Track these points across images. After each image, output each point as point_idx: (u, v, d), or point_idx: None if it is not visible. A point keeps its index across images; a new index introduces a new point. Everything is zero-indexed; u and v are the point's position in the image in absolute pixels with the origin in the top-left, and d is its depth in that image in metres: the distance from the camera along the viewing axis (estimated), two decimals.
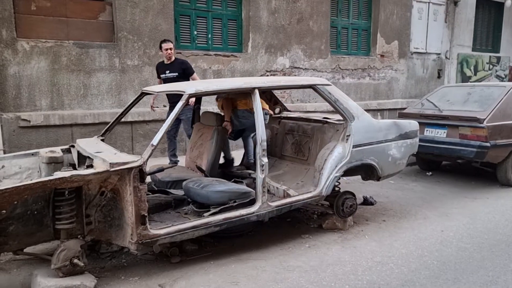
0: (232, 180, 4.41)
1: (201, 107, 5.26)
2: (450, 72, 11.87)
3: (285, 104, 5.54)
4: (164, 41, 5.89)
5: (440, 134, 6.08)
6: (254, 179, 3.87)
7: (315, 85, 4.19)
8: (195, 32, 7.50)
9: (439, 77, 11.57)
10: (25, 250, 3.19)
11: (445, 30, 11.48)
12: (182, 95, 3.53)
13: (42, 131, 6.04)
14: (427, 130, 6.20)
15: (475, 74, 12.56)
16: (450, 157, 6.19)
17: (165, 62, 5.88)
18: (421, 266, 3.55)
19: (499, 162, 5.93)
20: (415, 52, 10.86)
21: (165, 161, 5.96)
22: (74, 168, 3.66)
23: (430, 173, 6.84)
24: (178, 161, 5.98)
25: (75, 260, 3.03)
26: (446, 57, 11.68)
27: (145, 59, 6.82)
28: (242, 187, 3.91)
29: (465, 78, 12.21)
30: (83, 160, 3.60)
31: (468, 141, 5.74)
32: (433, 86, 10.89)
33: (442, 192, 5.79)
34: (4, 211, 2.80)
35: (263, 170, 3.63)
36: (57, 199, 3.05)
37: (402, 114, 6.67)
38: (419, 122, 5.01)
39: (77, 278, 3.04)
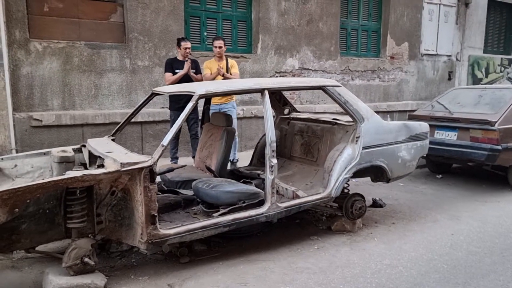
0: (241, 180, 4.42)
1: None
2: (461, 74, 11.76)
3: (294, 105, 5.54)
4: (184, 39, 6.06)
5: (450, 136, 6.04)
6: (263, 179, 3.88)
7: (325, 86, 4.19)
8: (205, 33, 7.53)
9: (449, 79, 11.47)
10: (37, 248, 3.22)
11: (456, 32, 11.38)
12: (191, 95, 3.55)
13: (54, 130, 6.10)
14: (437, 133, 6.16)
15: (486, 76, 12.43)
16: (461, 159, 6.13)
17: (180, 58, 6.00)
18: (430, 269, 3.52)
19: (511, 165, 5.87)
20: (425, 54, 10.78)
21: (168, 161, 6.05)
22: (85, 168, 3.70)
23: (440, 175, 6.79)
24: (178, 158, 6.17)
25: (86, 259, 3.07)
26: (457, 59, 11.58)
27: (155, 60, 6.86)
28: (251, 188, 3.92)
29: (476, 80, 12.09)
30: (94, 159, 3.63)
31: (479, 143, 5.69)
32: (444, 88, 10.80)
33: (452, 195, 5.75)
34: (17, 210, 2.83)
35: (272, 171, 3.63)
36: (68, 198, 3.09)
37: (412, 116, 6.63)
38: (429, 124, 4.98)
39: (88, 277, 3.07)
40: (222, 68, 5.98)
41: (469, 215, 4.87)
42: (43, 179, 3.37)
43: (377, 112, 4.87)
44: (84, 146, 4.01)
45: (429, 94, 10.88)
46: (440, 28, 10.97)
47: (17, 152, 5.57)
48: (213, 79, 5.92)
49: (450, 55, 11.38)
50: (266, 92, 3.81)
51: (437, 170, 6.94)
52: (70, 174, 3.01)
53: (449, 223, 4.62)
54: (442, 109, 6.38)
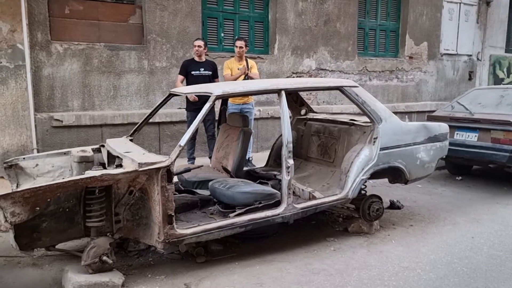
0: (258, 181, 4.42)
1: None
2: (482, 74, 11.53)
3: (311, 106, 5.51)
4: (197, 39, 6.14)
5: (471, 137, 5.92)
6: (280, 180, 3.87)
7: (342, 86, 4.16)
8: (222, 34, 7.57)
9: (470, 79, 11.26)
10: (56, 247, 3.28)
11: (477, 31, 11.17)
12: (208, 97, 3.57)
13: (74, 131, 6.22)
14: (457, 134, 6.05)
15: (508, 76, 12.16)
16: (481, 161, 6.01)
17: (196, 59, 6.02)
18: (450, 273, 3.46)
19: None
20: (445, 54, 10.61)
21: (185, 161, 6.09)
22: (104, 168, 3.76)
23: (460, 177, 6.66)
24: (195, 158, 6.20)
25: (104, 257, 3.11)
26: (477, 59, 11.36)
27: (173, 61, 6.93)
28: (268, 189, 3.92)
29: (497, 80, 11.84)
30: (113, 159, 3.68)
31: (501, 145, 5.57)
32: (464, 88, 10.61)
33: (473, 197, 5.64)
34: (38, 208, 2.89)
35: (288, 172, 3.63)
36: (87, 197, 3.14)
37: (431, 117, 6.52)
38: (449, 125, 4.89)
39: (106, 275, 3.12)
40: (244, 66, 6.03)
41: (490, 218, 4.76)
42: (63, 178, 3.44)
43: (395, 113, 4.81)
44: (103, 146, 4.07)
45: (448, 95, 10.70)
46: (461, 27, 10.78)
47: (38, 151, 5.69)
48: (236, 79, 5.95)
49: (470, 55, 11.18)
50: (283, 93, 3.80)
51: (457, 172, 6.81)
52: (89, 173, 3.06)
53: (469, 226, 4.53)
54: (463, 109, 6.26)
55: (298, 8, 8.10)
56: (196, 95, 5.54)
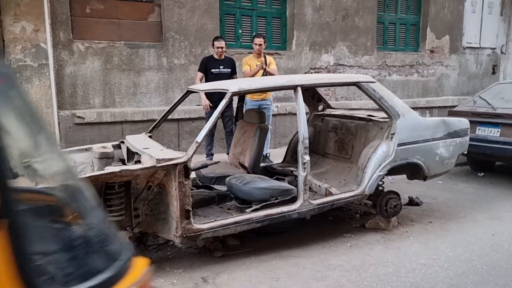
0: (274, 177, 4.45)
1: None
2: (506, 68, 11.23)
3: (329, 102, 5.49)
4: (217, 38, 6.13)
5: (493, 133, 5.80)
6: (296, 176, 3.89)
7: (359, 82, 4.14)
8: (240, 31, 7.59)
9: (494, 73, 10.98)
10: None
11: (501, 24, 10.87)
12: (225, 93, 3.61)
13: (95, 127, 6.36)
14: (479, 129, 5.93)
15: None
16: (504, 157, 5.88)
17: (216, 57, 6.07)
18: (468, 270, 3.42)
19: None
20: (467, 47, 10.37)
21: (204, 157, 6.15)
22: (124, 163, 3.84)
23: (482, 174, 6.53)
24: (213, 154, 6.24)
25: None
26: (501, 52, 11.06)
27: (191, 58, 6.99)
28: (284, 185, 3.94)
29: None
30: (132, 155, 3.76)
31: None
32: (488, 82, 10.34)
33: (495, 194, 5.53)
34: None
35: (305, 168, 3.64)
36: (108, 192, 3.22)
37: (452, 112, 6.40)
38: (470, 121, 4.82)
39: None
40: (261, 62, 6.04)
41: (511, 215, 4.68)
42: (85, 174, 3.53)
43: (415, 108, 4.77)
44: (123, 142, 4.16)
45: (471, 89, 10.46)
46: (484, 20, 10.51)
47: (61, 148, 5.84)
48: (254, 74, 5.98)
49: (494, 48, 10.89)
50: (299, 89, 3.81)
51: (479, 168, 6.68)
52: (109, 169, 3.14)
53: (490, 223, 4.45)
54: (485, 104, 6.13)
55: (316, 3, 8.04)
56: (213, 92, 5.58)
